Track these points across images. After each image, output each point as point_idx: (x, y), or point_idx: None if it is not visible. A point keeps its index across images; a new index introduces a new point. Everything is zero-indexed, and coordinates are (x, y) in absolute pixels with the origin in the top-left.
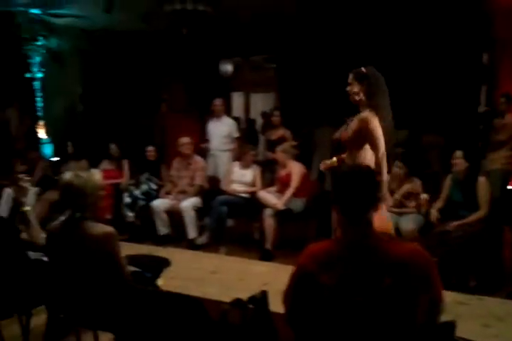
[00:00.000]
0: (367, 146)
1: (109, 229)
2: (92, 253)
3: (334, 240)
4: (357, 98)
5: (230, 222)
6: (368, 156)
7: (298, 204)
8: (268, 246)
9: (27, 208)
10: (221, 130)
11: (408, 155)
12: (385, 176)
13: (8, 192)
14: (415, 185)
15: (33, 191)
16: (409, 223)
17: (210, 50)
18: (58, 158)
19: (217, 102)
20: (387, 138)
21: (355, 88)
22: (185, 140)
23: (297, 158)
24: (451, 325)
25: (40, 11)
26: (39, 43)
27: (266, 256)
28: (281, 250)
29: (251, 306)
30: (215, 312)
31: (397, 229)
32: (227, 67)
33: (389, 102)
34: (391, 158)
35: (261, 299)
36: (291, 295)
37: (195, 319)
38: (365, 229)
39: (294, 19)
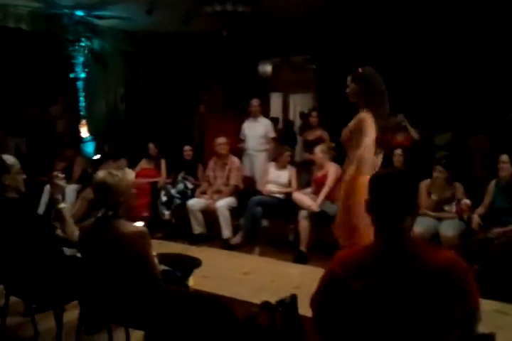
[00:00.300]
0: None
1: (140, 228)
2: (123, 251)
3: (366, 247)
4: (355, 98)
5: (264, 223)
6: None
7: (333, 207)
8: (302, 248)
9: (62, 205)
10: (257, 130)
11: (452, 158)
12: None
13: (48, 189)
14: (457, 190)
15: (72, 188)
16: (449, 229)
17: (249, 50)
18: (99, 156)
19: (254, 103)
20: (382, 137)
21: (353, 89)
22: (221, 140)
23: (335, 159)
24: (489, 338)
25: (84, 12)
26: (82, 44)
27: (300, 259)
28: (316, 253)
29: (280, 309)
30: (244, 313)
31: (437, 235)
32: (266, 68)
33: (387, 101)
34: (434, 162)
35: (290, 303)
36: (319, 300)
37: (222, 320)
38: (401, 237)
39: (333, 20)
